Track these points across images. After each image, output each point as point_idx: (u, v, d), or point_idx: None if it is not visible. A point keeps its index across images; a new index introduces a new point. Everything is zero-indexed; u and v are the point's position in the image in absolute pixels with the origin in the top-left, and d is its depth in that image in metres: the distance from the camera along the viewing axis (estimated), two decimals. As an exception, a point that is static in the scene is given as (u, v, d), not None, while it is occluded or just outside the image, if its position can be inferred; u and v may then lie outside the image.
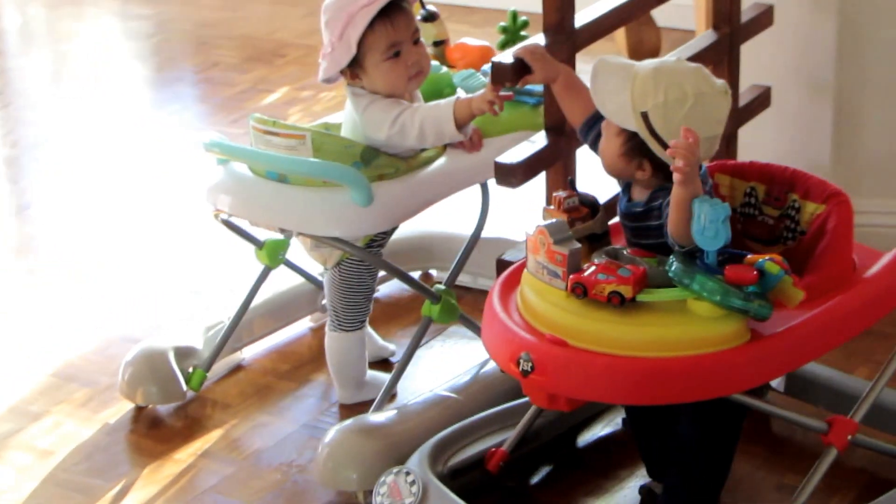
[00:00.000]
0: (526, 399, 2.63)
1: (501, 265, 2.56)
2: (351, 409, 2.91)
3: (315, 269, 3.11)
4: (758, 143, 3.27)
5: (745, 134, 3.21)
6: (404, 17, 2.71)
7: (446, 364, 3.06)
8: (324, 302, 3.07)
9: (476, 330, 2.82)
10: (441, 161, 2.77)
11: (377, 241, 2.81)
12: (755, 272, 2.15)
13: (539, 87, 2.75)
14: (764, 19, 3.24)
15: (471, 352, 3.06)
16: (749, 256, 2.19)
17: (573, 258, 2.24)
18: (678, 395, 2.18)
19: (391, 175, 2.69)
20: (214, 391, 3.04)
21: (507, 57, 2.54)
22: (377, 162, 2.68)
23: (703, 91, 2.25)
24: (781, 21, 3.26)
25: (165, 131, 4.55)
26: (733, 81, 3.09)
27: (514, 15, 2.96)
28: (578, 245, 2.26)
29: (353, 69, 2.72)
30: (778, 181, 2.46)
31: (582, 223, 2.40)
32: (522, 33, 2.94)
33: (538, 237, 2.27)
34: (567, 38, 2.67)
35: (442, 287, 2.85)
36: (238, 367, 3.13)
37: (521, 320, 2.30)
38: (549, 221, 2.28)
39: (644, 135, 2.26)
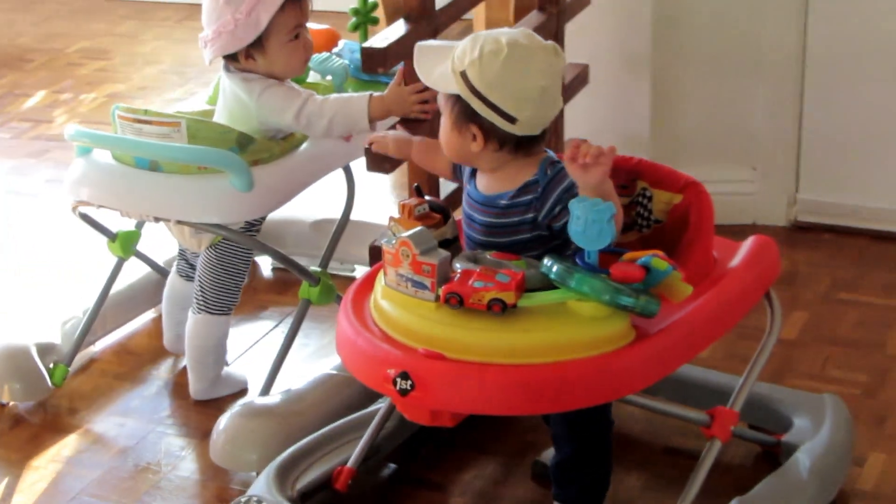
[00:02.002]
0: (363, 411, 2.58)
1: (375, 252, 2.50)
2: (203, 407, 2.86)
3: (161, 258, 3.17)
4: (579, 120, 3.27)
5: (567, 111, 3.19)
6: (308, 0, 2.71)
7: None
8: None
9: None
10: (308, 144, 2.75)
11: (255, 225, 2.77)
12: (642, 269, 2.05)
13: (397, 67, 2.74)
14: (583, -1, 3.27)
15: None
16: (628, 253, 2.10)
17: (443, 268, 2.10)
18: (572, 401, 2.05)
19: (266, 160, 2.67)
20: (69, 387, 2.97)
21: (379, 42, 2.58)
22: (252, 147, 2.64)
23: (519, 42, 2.15)
24: (599, 1, 3.29)
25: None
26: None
27: None
28: (447, 254, 2.12)
29: (250, 49, 2.67)
30: (623, 170, 2.36)
31: (435, 230, 2.26)
32: (373, 15, 2.92)
33: (401, 248, 2.12)
34: (429, 23, 2.64)
35: (318, 269, 2.84)
36: (90, 361, 3.07)
37: (383, 336, 2.14)
38: (411, 232, 2.13)
39: (465, 94, 2.15)
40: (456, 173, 2.38)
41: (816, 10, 3.37)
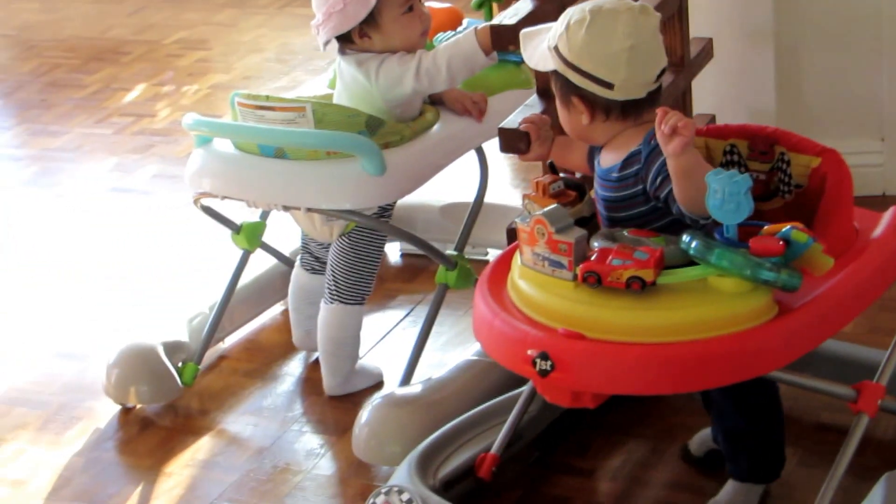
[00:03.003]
0: (504, 396, 2.55)
1: (511, 234, 2.43)
2: (338, 402, 2.81)
3: (286, 250, 3.09)
4: (705, 93, 3.22)
5: (694, 86, 3.12)
6: None
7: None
8: None
9: None
10: (440, 125, 2.72)
11: (387, 210, 2.74)
12: (781, 242, 2.01)
13: None
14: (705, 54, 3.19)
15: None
16: (767, 226, 2.06)
17: (579, 246, 2.08)
18: (717, 378, 2.03)
19: (397, 142, 2.63)
20: (198, 386, 2.92)
21: (509, 18, 2.53)
22: (382, 130, 2.60)
23: (603, 8, 2.15)
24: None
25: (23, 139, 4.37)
26: (683, 35, 3.00)
27: None
28: (583, 231, 2.09)
29: (363, 28, 2.64)
30: (760, 137, 2.32)
31: (571, 207, 2.24)
32: None
33: (536, 227, 2.10)
34: None
35: (454, 253, 2.80)
36: (219, 359, 3.03)
37: (522, 317, 2.12)
38: (546, 209, 2.11)
39: (561, 68, 2.18)
40: (591, 161, 2.36)
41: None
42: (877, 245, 2.23)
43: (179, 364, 2.87)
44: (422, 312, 3.07)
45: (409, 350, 2.85)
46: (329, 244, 2.81)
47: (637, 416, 2.65)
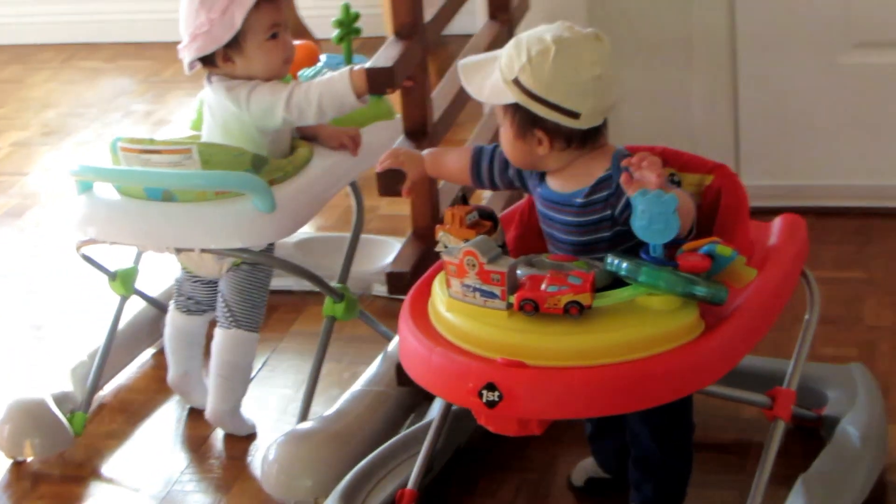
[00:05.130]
0: (415, 427, 2.58)
1: (394, 279, 2.53)
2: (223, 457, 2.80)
3: (156, 291, 3.13)
4: None
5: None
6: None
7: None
8: None
9: (373, 325, 2.97)
10: (316, 160, 2.75)
11: (272, 246, 2.77)
12: (708, 258, 2.08)
13: None
14: (523, 4, 3.40)
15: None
16: (686, 243, 2.12)
17: (512, 275, 2.10)
18: (662, 395, 2.07)
19: (281, 179, 2.65)
20: (85, 434, 2.88)
21: (383, 61, 2.58)
22: (267, 168, 2.62)
23: (564, 36, 2.16)
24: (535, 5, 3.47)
25: None
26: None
27: (347, 8, 2.91)
28: (514, 260, 2.12)
29: (227, 51, 2.64)
30: None
31: (489, 237, 2.26)
32: (356, 25, 2.91)
33: (466, 258, 2.11)
34: (419, 39, 2.65)
35: (339, 285, 2.83)
36: (100, 407, 3.00)
37: (456, 349, 2.13)
38: (475, 240, 2.13)
39: (524, 101, 2.16)
40: (476, 177, 2.38)
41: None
42: (777, 253, 2.32)
43: (68, 414, 2.84)
44: (278, 359, 3.11)
45: (274, 397, 2.89)
46: (210, 280, 2.82)
47: (517, 449, 2.67)
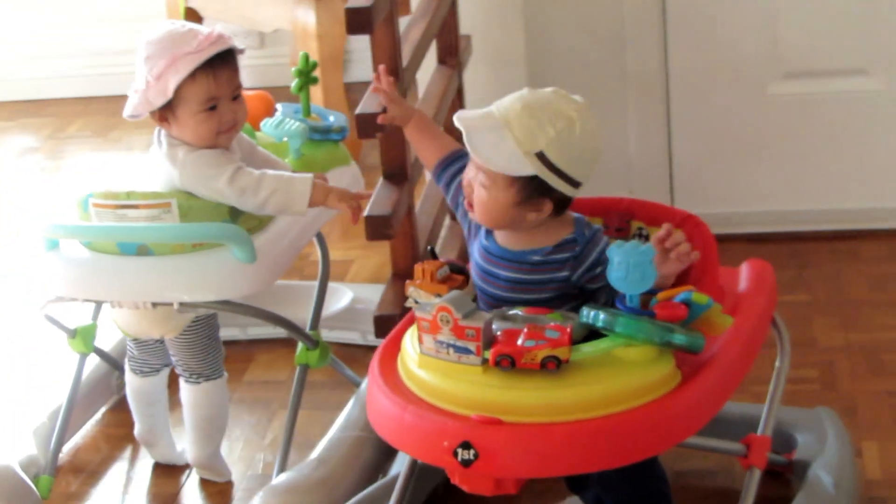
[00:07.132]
0: (385, 479, 2.55)
1: (382, 322, 2.51)
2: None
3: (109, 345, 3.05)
4: None
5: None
6: (228, 71, 2.54)
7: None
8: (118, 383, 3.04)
9: (341, 370, 2.95)
10: None
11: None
12: (684, 306, 2.06)
13: (342, 122, 2.81)
14: (468, 48, 3.45)
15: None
16: (662, 292, 2.09)
17: (488, 330, 2.06)
18: (644, 450, 2.04)
19: (256, 228, 2.59)
20: (52, 497, 2.81)
21: (368, 107, 2.57)
22: (242, 218, 2.55)
23: (580, 111, 2.16)
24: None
25: None
26: (462, 107, 3.22)
27: (306, 57, 2.87)
28: (489, 315, 2.08)
29: (163, 112, 2.54)
30: (615, 212, 2.37)
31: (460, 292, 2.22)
32: (313, 75, 2.87)
33: (440, 315, 2.07)
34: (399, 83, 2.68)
35: (312, 332, 2.79)
36: (58, 469, 2.88)
37: (429, 407, 2.08)
38: (449, 296, 2.08)
39: (545, 175, 2.13)
40: (438, 175, 2.35)
41: (674, 35, 3.55)
42: (748, 301, 2.30)
43: (33, 478, 2.76)
44: (236, 411, 3.04)
45: (234, 453, 2.86)
46: (156, 340, 2.75)
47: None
